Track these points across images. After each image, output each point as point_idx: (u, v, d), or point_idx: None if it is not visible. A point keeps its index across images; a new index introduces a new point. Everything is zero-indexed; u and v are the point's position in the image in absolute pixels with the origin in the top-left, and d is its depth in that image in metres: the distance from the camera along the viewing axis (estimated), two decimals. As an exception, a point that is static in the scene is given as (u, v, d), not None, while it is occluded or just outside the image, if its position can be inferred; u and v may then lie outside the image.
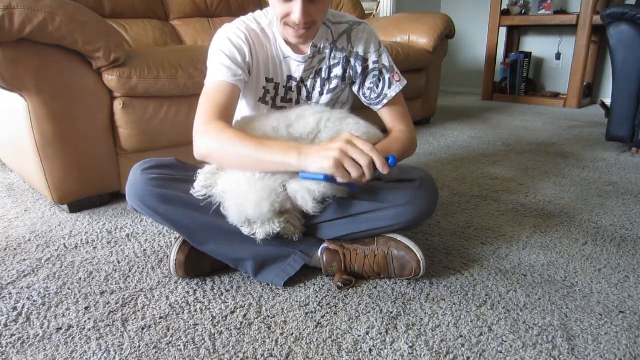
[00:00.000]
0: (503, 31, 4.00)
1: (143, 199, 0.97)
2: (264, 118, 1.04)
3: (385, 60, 1.17)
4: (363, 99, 1.21)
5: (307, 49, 1.11)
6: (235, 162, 0.93)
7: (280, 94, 1.16)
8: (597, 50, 3.67)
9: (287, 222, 0.98)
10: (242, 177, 0.91)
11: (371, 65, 1.16)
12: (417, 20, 2.81)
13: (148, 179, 0.97)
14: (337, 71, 1.16)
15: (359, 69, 1.16)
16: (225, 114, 0.99)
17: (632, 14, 1.93)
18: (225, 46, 1.05)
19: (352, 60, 1.16)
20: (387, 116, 1.18)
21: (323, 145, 0.88)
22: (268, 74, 1.13)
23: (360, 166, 0.84)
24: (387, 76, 1.16)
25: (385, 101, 1.16)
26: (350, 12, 3.06)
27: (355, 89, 1.21)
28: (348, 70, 1.17)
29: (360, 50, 1.15)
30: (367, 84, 1.17)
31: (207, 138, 0.95)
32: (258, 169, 0.91)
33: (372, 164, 0.85)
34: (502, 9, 3.80)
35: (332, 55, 1.15)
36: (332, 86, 1.17)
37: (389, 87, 1.16)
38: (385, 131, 1.17)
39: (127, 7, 2.17)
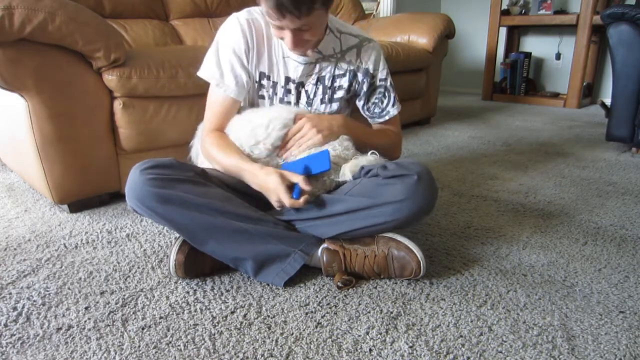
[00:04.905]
0: (503, 31, 4.00)
1: (142, 200, 0.97)
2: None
3: (390, 79, 1.23)
4: (365, 112, 1.26)
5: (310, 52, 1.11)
6: (220, 165, 1.12)
7: (278, 94, 1.16)
8: (597, 50, 3.67)
9: None
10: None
11: (378, 82, 1.22)
12: (417, 20, 2.81)
13: (147, 180, 0.97)
14: (343, 82, 1.18)
15: (366, 85, 1.20)
16: (223, 125, 1.15)
17: (632, 14, 1.93)
18: (229, 52, 1.11)
19: (359, 75, 1.20)
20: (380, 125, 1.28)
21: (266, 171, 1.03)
22: (264, 68, 1.14)
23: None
24: (392, 94, 1.23)
25: (387, 117, 1.25)
26: (350, 12, 3.06)
27: (359, 103, 1.25)
28: (354, 84, 1.21)
29: (370, 66, 1.19)
30: (373, 99, 1.23)
31: (207, 145, 1.14)
32: (236, 174, 1.09)
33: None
34: (502, 9, 3.80)
35: (338, 65, 1.17)
36: (338, 96, 1.20)
37: (392, 106, 1.24)
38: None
39: (127, 7, 2.17)
